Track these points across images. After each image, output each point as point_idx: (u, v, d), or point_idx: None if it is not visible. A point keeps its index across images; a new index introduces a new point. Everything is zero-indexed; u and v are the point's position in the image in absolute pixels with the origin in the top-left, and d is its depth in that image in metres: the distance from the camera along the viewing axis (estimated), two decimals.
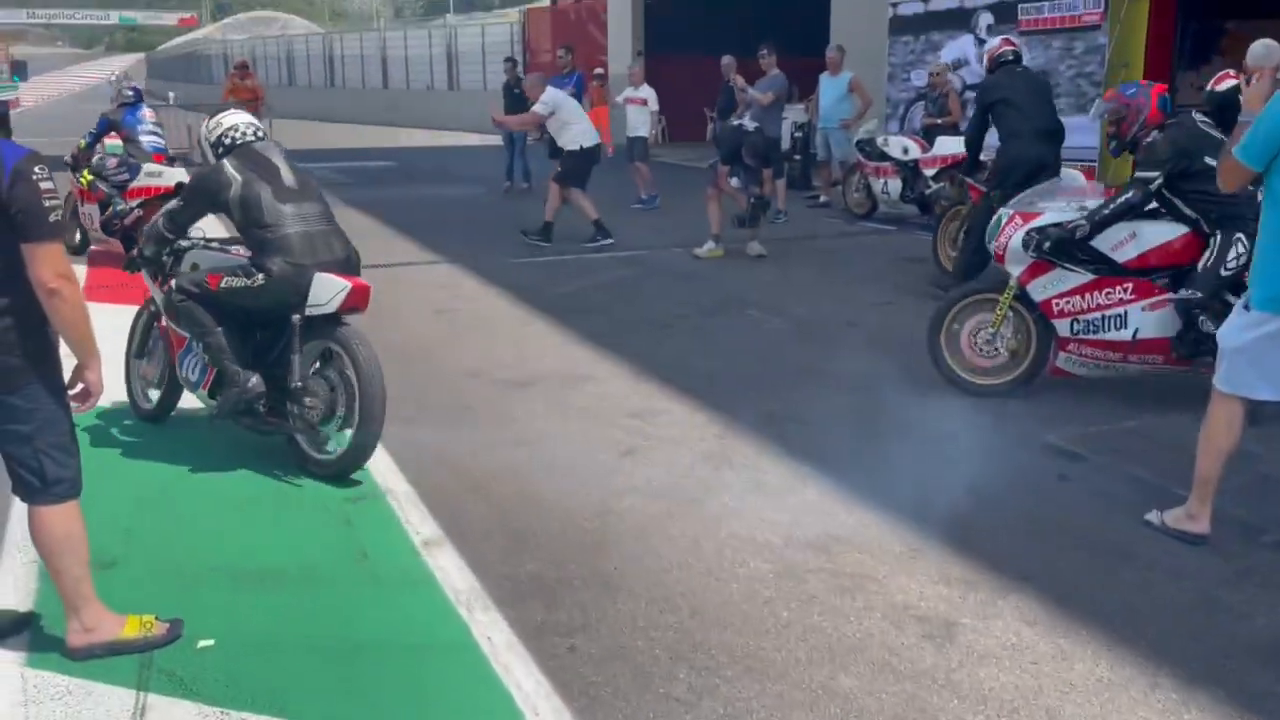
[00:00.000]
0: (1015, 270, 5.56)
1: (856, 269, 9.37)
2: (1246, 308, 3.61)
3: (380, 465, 4.70)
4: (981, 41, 12.41)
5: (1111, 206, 5.29)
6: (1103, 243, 5.39)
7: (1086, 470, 4.67)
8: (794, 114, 14.27)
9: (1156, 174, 5.20)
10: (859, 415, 5.40)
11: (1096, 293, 5.40)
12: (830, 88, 13.14)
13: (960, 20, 12.69)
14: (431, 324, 7.46)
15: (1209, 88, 8.27)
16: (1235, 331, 3.65)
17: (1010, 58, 8.00)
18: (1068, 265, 5.44)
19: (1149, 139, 5.40)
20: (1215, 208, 5.09)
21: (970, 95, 12.50)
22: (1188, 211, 5.27)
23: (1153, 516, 4.06)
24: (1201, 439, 3.85)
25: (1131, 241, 5.39)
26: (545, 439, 5.10)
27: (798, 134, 15.12)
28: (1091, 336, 5.44)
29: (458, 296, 8.38)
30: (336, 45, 38.50)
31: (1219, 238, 5.14)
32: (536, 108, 10.30)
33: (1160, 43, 11.07)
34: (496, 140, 23.53)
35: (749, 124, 9.89)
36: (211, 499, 4.36)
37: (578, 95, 13.77)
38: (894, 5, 13.63)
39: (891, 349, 6.68)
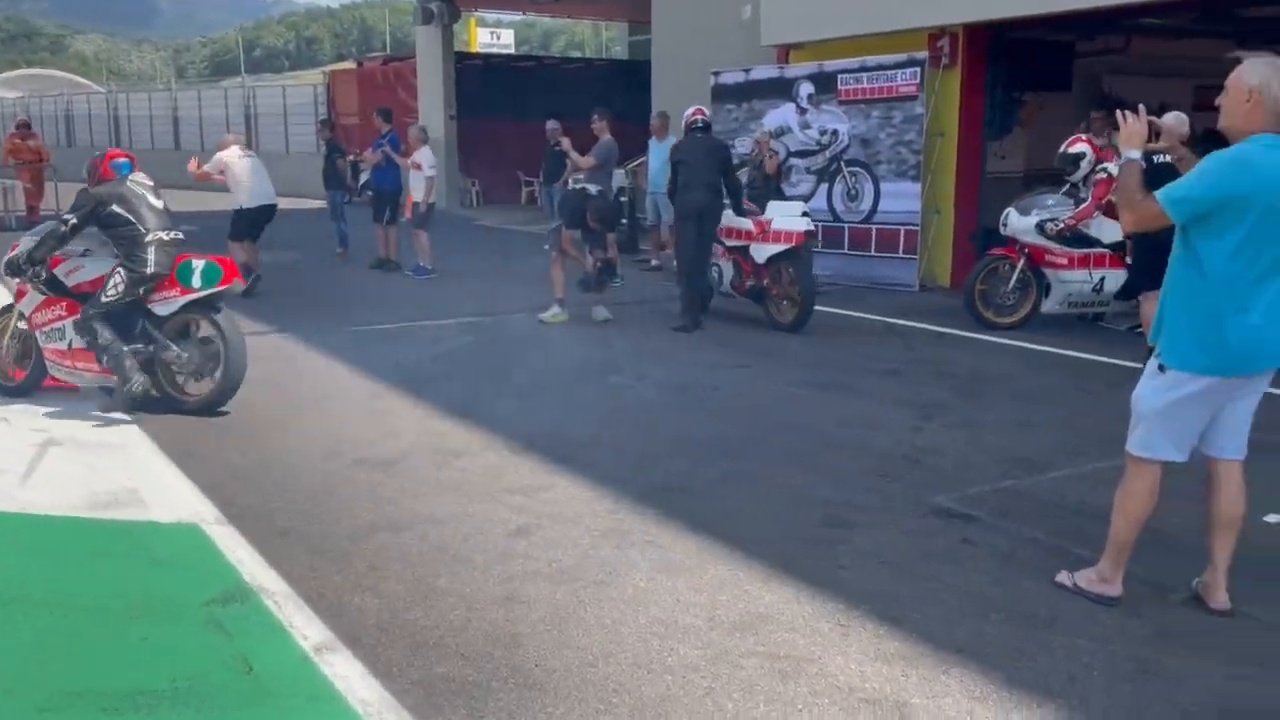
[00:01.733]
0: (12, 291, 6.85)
1: (703, 332, 9.33)
2: (1161, 369, 3.66)
3: (247, 561, 4.22)
4: (803, 110, 12.81)
5: (37, 240, 6.38)
6: (61, 272, 6.55)
7: (983, 532, 4.66)
8: (616, 179, 14.31)
9: (72, 215, 6.35)
10: (746, 483, 5.28)
11: (47, 310, 6.57)
12: (657, 153, 13.25)
13: (781, 89, 13.03)
14: (271, 401, 6.89)
15: (1062, 149, 9.00)
16: (1154, 394, 3.68)
17: (699, 125, 9.59)
18: (39, 288, 6.55)
19: (84, 189, 6.53)
20: (121, 246, 6.31)
21: (794, 162, 12.89)
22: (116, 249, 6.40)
23: (1064, 579, 4.06)
24: (1118, 505, 3.86)
25: (80, 270, 6.56)
26: (427, 521, 4.72)
27: (622, 198, 15.18)
28: (50, 345, 6.59)
29: (294, 370, 7.83)
30: (122, 104, 36.43)
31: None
32: (207, 165, 11.47)
33: (971, 113, 11.68)
34: (304, 204, 22.78)
35: (592, 188, 9.79)
36: (57, 609, 3.78)
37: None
38: (716, 74, 13.90)
39: (759, 412, 6.63)
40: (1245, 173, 3.42)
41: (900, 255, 11.87)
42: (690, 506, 4.92)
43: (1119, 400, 3.88)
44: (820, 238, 12.24)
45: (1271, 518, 4.70)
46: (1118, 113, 3.80)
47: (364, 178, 16.50)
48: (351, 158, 16.12)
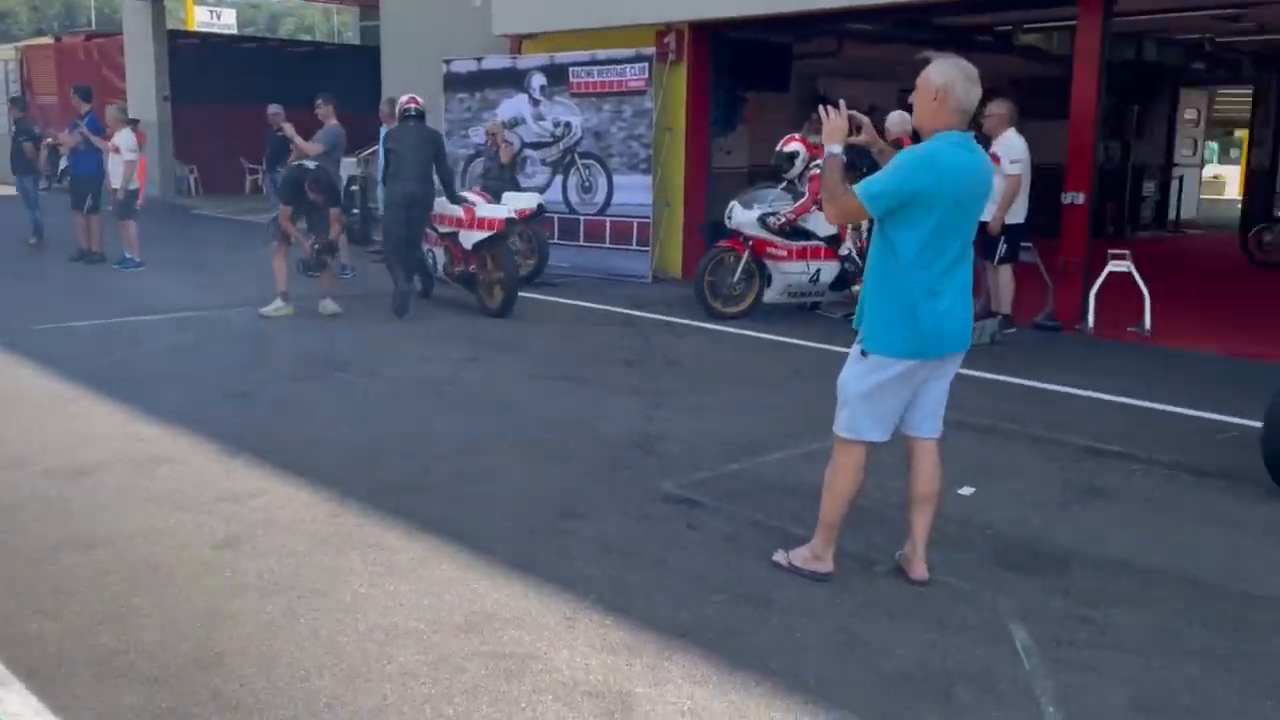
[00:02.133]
0: None
1: (436, 325, 9.14)
2: (864, 354, 3.83)
3: None
4: (536, 102, 12.77)
5: None
6: None
7: (708, 516, 4.76)
8: (347, 167, 13.82)
9: None
10: (479, 479, 5.17)
11: None
12: None
13: (514, 80, 12.93)
14: None
15: (778, 148, 9.41)
16: (857, 378, 3.85)
17: (412, 113, 9.70)
18: None
19: None
20: None
21: (529, 153, 12.83)
22: None
23: (780, 558, 4.20)
24: (827, 485, 4.02)
25: None
26: (123, 537, 4.32)
27: (354, 188, 14.67)
28: None
29: None
30: None
31: None
32: None
33: (698, 109, 12.01)
34: None
35: (311, 163, 9.44)
36: None
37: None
38: (447, 62, 13.64)
39: (495, 406, 6.54)
40: (932, 169, 3.63)
41: (634, 247, 12.07)
42: (420, 506, 4.76)
43: (832, 384, 4.04)
44: (556, 229, 12.34)
45: (965, 490, 5.06)
46: (820, 108, 3.94)
47: (63, 162, 15.16)
48: (49, 140, 14.76)
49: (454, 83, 13.60)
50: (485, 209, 9.58)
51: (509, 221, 9.47)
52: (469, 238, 9.46)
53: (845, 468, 3.94)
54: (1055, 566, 4.28)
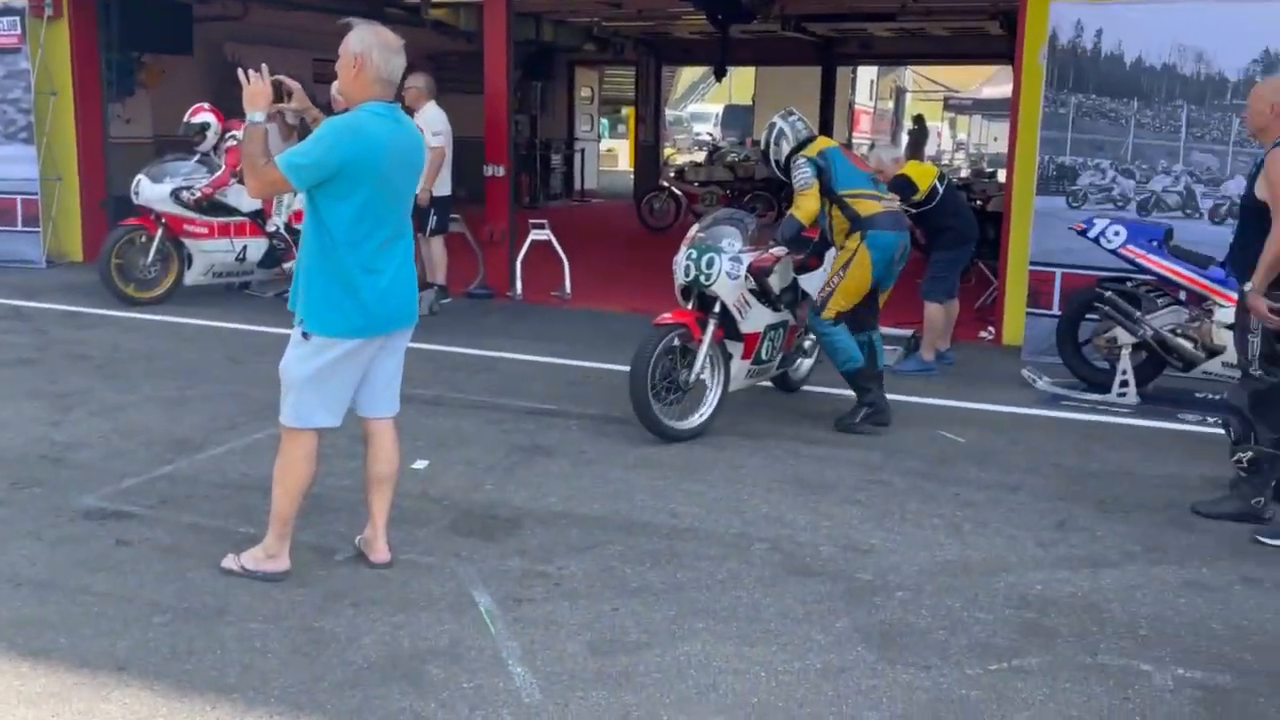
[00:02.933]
0: None
1: None
2: (305, 336, 3.61)
3: None
4: None
5: None
6: None
7: (141, 528, 4.26)
8: None
9: None
10: None
11: None
12: None
13: None
14: None
15: (186, 118, 8.69)
16: (300, 362, 3.61)
17: None
18: None
19: None
20: None
21: None
22: None
23: (230, 562, 3.87)
24: (277, 478, 3.75)
25: None
26: None
27: None
28: None
29: None
30: None
31: None
32: None
33: (86, 71, 10.67)
34: None
35: None
36: None
37: None
38: None
39: None
40: (357, 139, 3.51)
41: (20, 228, 10.53)
42: None
43: (271, 367, 3.78)
44: None
45: (419, 464, 5.06)
46: (239, 73, 3.64)
47: None
48: None
49: None
50: None
51: None
52: None
53: (295, 458, 3.72)
54: (509, 527, 4.42)
